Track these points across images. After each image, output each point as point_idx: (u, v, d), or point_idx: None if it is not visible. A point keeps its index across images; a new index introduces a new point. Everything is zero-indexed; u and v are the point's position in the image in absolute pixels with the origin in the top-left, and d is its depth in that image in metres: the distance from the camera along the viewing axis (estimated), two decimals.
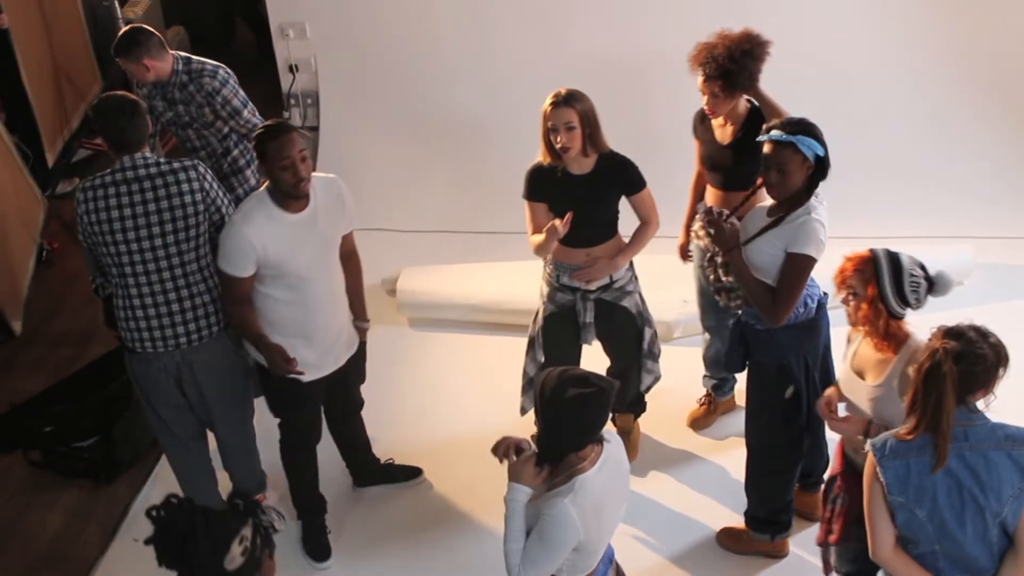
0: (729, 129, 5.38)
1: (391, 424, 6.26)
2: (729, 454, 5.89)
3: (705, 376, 6.16)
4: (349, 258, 5.16)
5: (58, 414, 6.28)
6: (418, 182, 8.22)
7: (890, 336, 4.12)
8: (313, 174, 4.80)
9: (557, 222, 5.09)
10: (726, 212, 4.89)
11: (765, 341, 4.89)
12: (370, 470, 5.86)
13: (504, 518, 3.71)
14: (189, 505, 3.19)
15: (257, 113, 6.10)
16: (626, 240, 5.42)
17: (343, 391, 5.42)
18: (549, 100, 5.09)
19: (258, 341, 4.82)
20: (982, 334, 3.56)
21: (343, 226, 5.04)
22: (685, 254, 5.84)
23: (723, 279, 5.10)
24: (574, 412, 3.57)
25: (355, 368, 5.39)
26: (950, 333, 3.53)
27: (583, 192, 5.21)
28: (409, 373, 6.71)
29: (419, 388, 6.58)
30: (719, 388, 6.14)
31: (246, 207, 4.75)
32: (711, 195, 5.53)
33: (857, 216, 7.13)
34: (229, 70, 6.07)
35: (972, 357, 3.50)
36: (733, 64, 5.12)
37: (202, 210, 4.94)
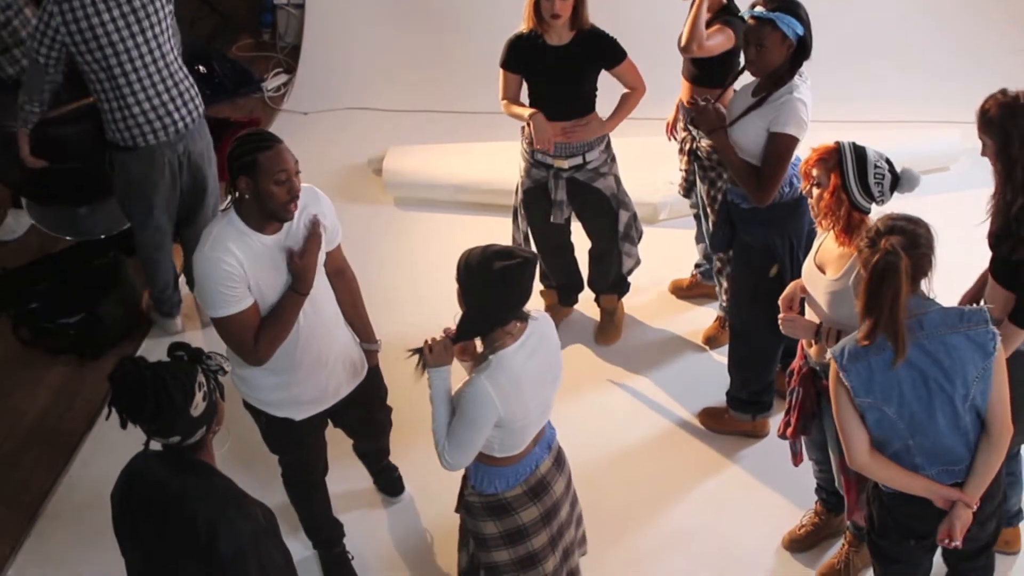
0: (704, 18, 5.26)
1: (371, 303, 6.29)
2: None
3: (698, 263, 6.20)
4: (340, 275, 4.48)
5: (44, 290, 6.30)
6: (406, 61, 8.14)
7: (851, 229, 4.08)
8: None
9: (539, 121, 5.24)
10: (710, 97, 4.87)
11: (750, 220, 4.89)
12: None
13: (430, 400, 3.79)
14: (145, 363, 3.24)
15: None
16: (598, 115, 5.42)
17: (354, 422, 4.80)
18: None
19: (301, 294, 4.09)
20: (912, 220, 3.58)
21: (323, 242, 4.23)
22: (672, 131, 5.79)
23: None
24: (500, 285, 3.60)
25: (368, 396, 4.70)
26: (885, 231, 3.52)
27: (560, 63, 5.23)
28: (393, 252, 6.73)
29: (402, 267, 6.60)
30: (706, 274, 6.15)
31: (211, 232, 3.99)
32: (683, 87, 5.50)
33: (845, 100, 7.11)
34: None
35: (919, 242, 3.52)
36: None
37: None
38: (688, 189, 5.72)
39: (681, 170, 5.68)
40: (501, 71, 5.40)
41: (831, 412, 4.32)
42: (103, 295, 6.17)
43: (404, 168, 7.11)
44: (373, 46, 8.21)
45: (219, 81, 8.15)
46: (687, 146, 5.54)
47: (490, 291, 3.63)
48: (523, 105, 5.42)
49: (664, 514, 5.18)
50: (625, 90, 5.39)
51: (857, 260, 3.68)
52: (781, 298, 4.44)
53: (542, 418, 3.93)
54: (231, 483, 3.35)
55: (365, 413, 4.79)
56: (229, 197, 4.03)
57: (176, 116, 5.49)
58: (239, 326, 4.02)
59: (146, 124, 5.42)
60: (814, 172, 4.10)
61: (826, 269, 4.21)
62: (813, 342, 4.28)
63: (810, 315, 4.35)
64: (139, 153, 5.48)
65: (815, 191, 4.12)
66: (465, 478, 4.10)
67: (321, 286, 4.24)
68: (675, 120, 5.71)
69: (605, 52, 5.26)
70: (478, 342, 3.86)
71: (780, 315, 4.36)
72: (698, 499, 5.23)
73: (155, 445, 3.35)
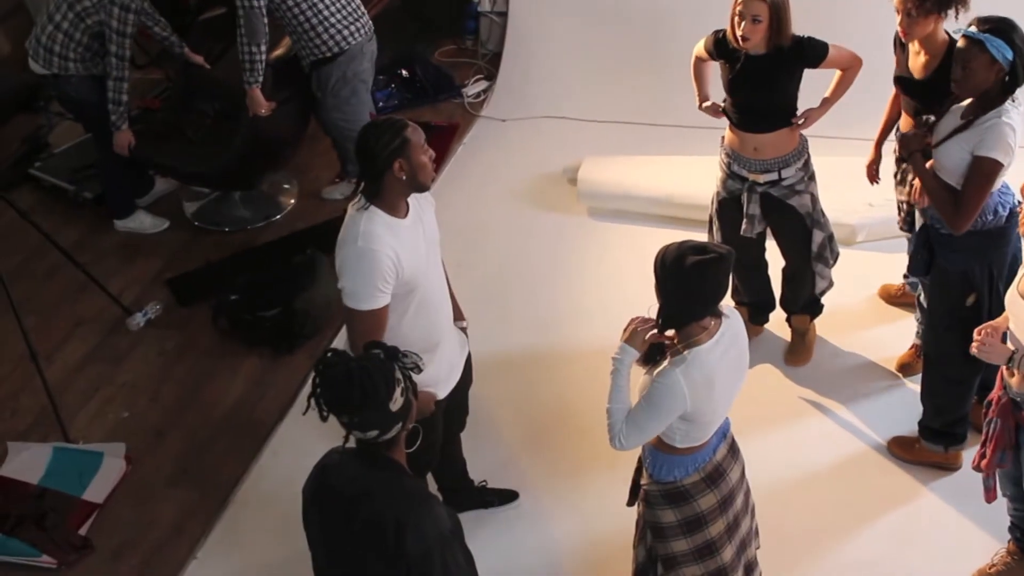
0: (922, 60, 5.08)
1: (559, 312, 6.33)
2: None
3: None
4: None
5: (244, 284, 6.50)
6: (605, 71, 8.12)
7: None
8: None
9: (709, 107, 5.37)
10: (932, 119, 4.74)
11: (949, 246, 4.74)
12: (466, 494, 5.27)
13: (610, 376, 3.82)
14: (348, 356, 3.32)
15: None
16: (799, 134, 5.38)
17: (459, 402, 4.84)
18: None
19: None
20: None
21: (431, 208, 4.40)
22: (873, 175, 5.64)
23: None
24: (694, 280, 3.62)
25: (468, 375, 4.82)
26: None
27: (756, 75, 5.16)
28: (584, 262, 6.73)
29: (592, 277, 6.59)
30: (913, 285, 5.97)
31: (359, 229, 4.05)
32: (904, 120, 5.33)
33: None
34: None
35: None
36: None
37: None
38: (910, 224, 5.49)
39: (902, 202, 5.54)
40: (700, 44, 5.39)
41: None
42: (300, 291, 6.32)
43: (599, 178, 7.11)
44: (573, 56, 8.23)
45: (421, 85, 8.30)
46: (910, 176, 5.33)
47: (684, 285, 3.66)
48: (703, 85, 5.51)
49: (847, 542, 5.06)
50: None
51: None
52: (981, 326, 4.28)
53: (725, 413, 3.95)
54: (420, 484, 3.40)
55: (464, 394, 4.85)
56: (360, 196, 4.11)
57: (364, 20, 6.54)
58: (375, 322, 4.10)
59: (345, 28, 6.39)
60: None
61: None
62: (1012, 370, 4.12)
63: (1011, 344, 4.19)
64: (351, 53, 6.46)
65: None
66: (639, 469, 4.13)
67: (437, 265, 4.39)
68: (875, 159, 5.59)
69: (804, 54, 5.14)
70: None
71: (975, 339, 4.16)
72: (884, 529, 5.09)
73: (351, 442, 3.40)
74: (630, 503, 4.22)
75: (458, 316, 4.71)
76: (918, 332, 5.69)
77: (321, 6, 6.34)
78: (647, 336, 3.79)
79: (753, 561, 4.33)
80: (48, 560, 5.23)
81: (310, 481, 3.47)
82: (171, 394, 6.14)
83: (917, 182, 4.82)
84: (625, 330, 3.83)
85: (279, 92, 6.67)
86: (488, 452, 5.49)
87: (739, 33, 5.01)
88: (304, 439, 5.46)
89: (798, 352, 5.91)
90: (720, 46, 5.25)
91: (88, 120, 7.02)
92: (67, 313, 6.73)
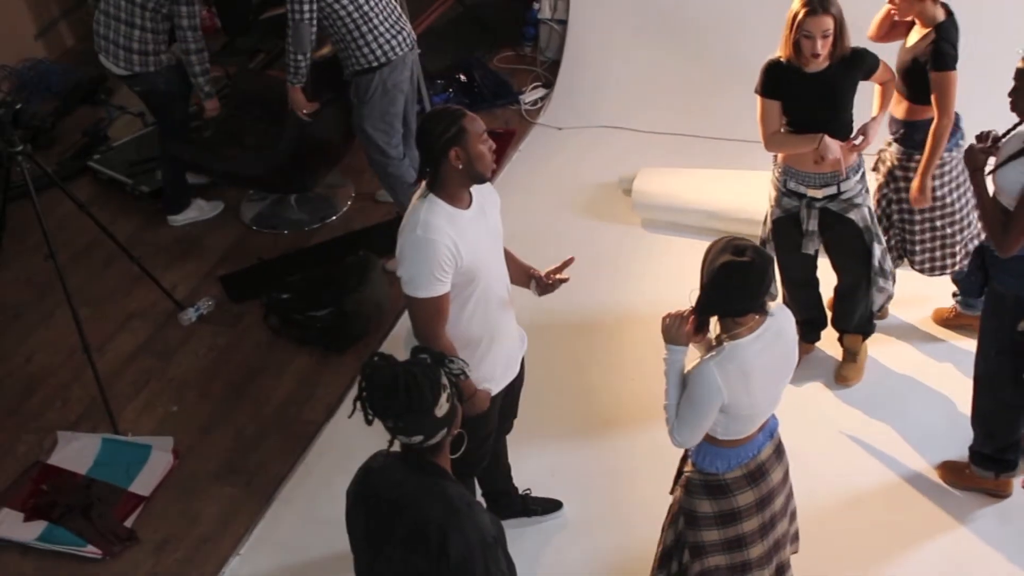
0: (917, 33, 5.19)
1: (610, 321, 6.31)
2: (959, 384, 5.66)
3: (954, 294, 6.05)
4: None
5: (296, 282, 6.53)
6: (663, 83, 8.09)
7: None
8: None
9: (831, 141, 5.08)
10: (998, 133, 4.71)
11: (1002, 269, 4.68)
12: (509, 501, 5.26)
13: (664, 375, 3.90)
14: (395, 360, 3.31)
15: None
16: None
17: (510, 402, 4.83)
18: (802, 6, 4.92)
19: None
20: None
21: (496, 203, 4.42)
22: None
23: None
24: (722, 278, 3.70)
25: (523, 371, 4.79)
26: None
27: (820, 91, 5.11)
28: (637, 272, 6.71)
29: (644, 288, 6.56)
30: (963, 304, 5.99)
31: (419, 217, 4.05)
32: (895, 101, 5.42)
33: None
34: None
35: None
36: None
37: None
38: (887, 215, 5.72)
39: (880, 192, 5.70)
40: (758, 100, 5.26)
41: None
42: (351, 292, 6.34)
43: (654, 190, 7.08)
44: (632, 66, 8.21)
45: (478, 91, 8.31)
46: (882, 166, 5.61)
47: (715, 281, 3.74)
48: (802, 137, 5.23)
49: (892, 565, 5.01)
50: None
51: None
52: None
53: (769, 409, 4.00)
54: (464, 490, 3.40)
55: (516, 394, 4.83)
56: (423, 184, 4.13)
57: (407, 29, 6.44)
58: (435, 309, 4.11)
59: (392, 39, 6.31)
60: None
61: None
62: None
63: None
64: (393, 63, 6.35)
65: None
66: (685, 457, 4.18)
67: (499, 259, 4.39)
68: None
69: (865, 62, 5.13)
70: (711, 331, 3.94)
71: None
72: (930, 555, 5.04)
73: (396, 446, 3.40)
74: (673, 490, 4.26)
75: (530, 268, 4.63)
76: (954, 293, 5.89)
77: (372, 14, 6.24)
78: (685, 326, 3.85)
79: (786, 563, 4.35)
80: (93, 550, 5.28)
81: (354, 484, 3.47)
82: (220, 390, 6.19)
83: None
84: (662, 333, 3.89)
85: (322, 93, 6.70)
86: (534, 459, 5.49)
87: (811, 53, 4.97)
88: (350, 441, 5.48)
89: (849, 372, 5.86)
90: (773, 75, 5.18)
91: (165, 112, 7.09)
92: (120, 305, 6.81)
